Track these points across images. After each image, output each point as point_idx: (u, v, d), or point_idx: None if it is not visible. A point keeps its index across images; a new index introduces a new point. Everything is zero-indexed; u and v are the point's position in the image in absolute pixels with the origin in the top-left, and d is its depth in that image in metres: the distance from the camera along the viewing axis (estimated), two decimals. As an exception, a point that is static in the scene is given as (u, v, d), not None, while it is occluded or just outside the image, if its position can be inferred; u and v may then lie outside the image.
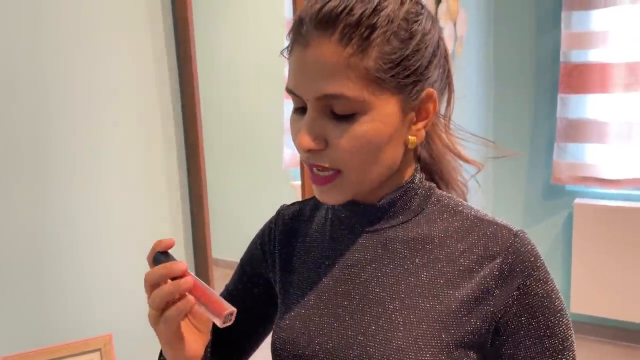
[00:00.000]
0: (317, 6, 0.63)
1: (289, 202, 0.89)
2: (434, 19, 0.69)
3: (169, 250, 0.69)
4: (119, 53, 1.21)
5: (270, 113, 1.78)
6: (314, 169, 0.68)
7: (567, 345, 0.66)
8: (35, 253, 1.10)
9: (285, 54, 0.69)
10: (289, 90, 0.67)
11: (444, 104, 0.75)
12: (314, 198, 0.84)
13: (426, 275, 0.69)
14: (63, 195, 1.14)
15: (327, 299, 0.73)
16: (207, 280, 1.48)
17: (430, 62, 0.66)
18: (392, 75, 0.63)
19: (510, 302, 0.65)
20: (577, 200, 2.98)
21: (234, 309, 0.65)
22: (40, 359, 1.03)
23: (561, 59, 2.91)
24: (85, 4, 1.14)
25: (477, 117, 3.14)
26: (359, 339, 0.68)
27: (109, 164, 1.22)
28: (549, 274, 0.67)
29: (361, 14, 0.61)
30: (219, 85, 1.65)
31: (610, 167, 2.89)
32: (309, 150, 0.65)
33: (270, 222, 0.87)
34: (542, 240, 3.21)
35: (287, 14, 1.70)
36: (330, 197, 0.69)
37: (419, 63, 0.65)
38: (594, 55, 2.84)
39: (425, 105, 0.68)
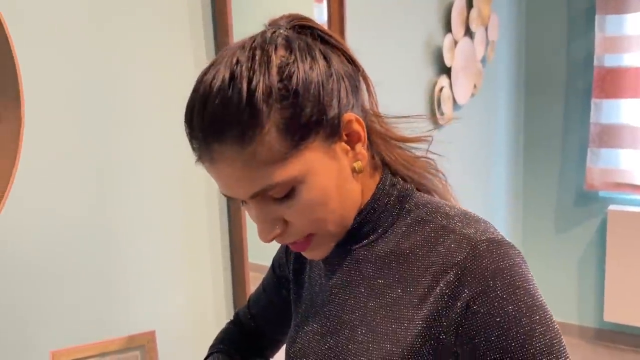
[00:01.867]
0: (197, 119, 0.59)
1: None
2: (309, 46, 0.62)
3: None
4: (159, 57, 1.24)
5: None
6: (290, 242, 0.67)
7: None
8: (85, 253, 1.13)
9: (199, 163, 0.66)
10: (223, 194, 0.65)
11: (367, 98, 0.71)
12: None
13: (391, 295, 0.65)
14: (111, 199, 1.17)
15: (319, 318, 0.74)
16: (243, 284, 1.49)
17: (330, 94, 0.61)
18: (298, 141, 0.59)
19: (461, 322, 0.58)
20: (611, 207, 2.93)
21: None
22: (87, 353, 1.06)
23: (595, 63, 2.87)
24: None
25: (508, 122, 3.12)
26: None
27: (150, 170, 1.25)
28: (518, 290, 0.57)
29: (237, 109, 0.57)
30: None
31: (645, 173, 2.84)
32: (275, 237, 0.64)
33: None
34: (574, 248, 3.16)
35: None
36: (316, 255, 0.69)
37: (317, 107, 0.60)
38: (628, 60, 2.81)
39: (350, 130, 0.64)
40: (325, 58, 0.63)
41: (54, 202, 1.07)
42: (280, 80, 0.58)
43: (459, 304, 0.58)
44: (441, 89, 2.33)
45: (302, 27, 0.65)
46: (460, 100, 2.49)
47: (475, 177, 2.82)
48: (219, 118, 0.58)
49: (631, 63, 2.79)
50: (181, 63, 1.28)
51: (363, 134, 0.65)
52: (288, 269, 0.87)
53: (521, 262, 0.60)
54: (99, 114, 1.14)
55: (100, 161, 1.15)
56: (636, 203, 2.95)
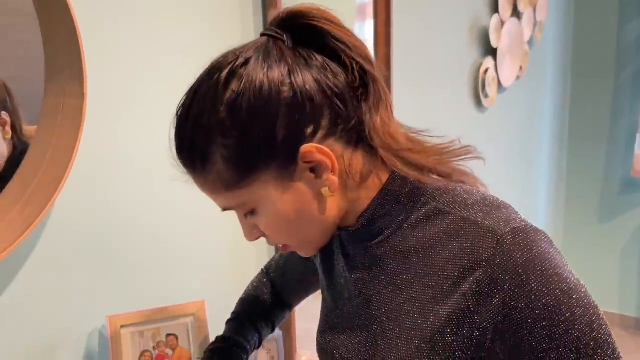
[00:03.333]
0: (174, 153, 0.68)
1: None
2: (280, 63, 0.60)
3: None
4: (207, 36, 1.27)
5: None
6: None
7: (585, 353, 0.55)
8: (141, 224, 1.18)
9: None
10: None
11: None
12: None
13: (415, 290, 0.64)
14: (159, 174, 1.21)
15: (346, 312, 0.75)
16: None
17: (285, 126, 0.59)
18: (247, 171, 0.61)
19: (499, 319, 0.57)
20: (659, 195, 2.86)
21: None
22: (141, 320, 1.11)
23: (647, 47, 2.78)
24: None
25: (554, 106, 3.05)
26: (365, 357, 0.71)
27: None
28: (551, 277, 0.56)
29: (190, 142, 0.64)
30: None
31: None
32: (257, 239, 0.71)
33: None
34: (618, 236, 3.09)
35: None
36: (305, 254, 0.75)
37: (266, 140, 0.59)
38: (683, 43, 2.70)
39: (312, 160, 0.61)
40: (292, 76, 0.59)
41: (113, 175, 1.12)
42: (228, 115, 0.59)
43: (494, 302, 0.57)
44: (486, 71, 2.30)
45: (297, 27, 0.62)
46: (505, 82, 2.45)
47: (518, 162, 2.78)
48: (179, 145, 0.66)
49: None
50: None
51: (329, 162, 0.61)
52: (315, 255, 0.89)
53: (549, 247, 0.59)
54: (158, 88, 1.18)
55: (155, 143, 1.19)
56: (685, 191, 2.87)
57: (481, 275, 0.58)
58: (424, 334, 0.62)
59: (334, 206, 0.66)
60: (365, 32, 1.72)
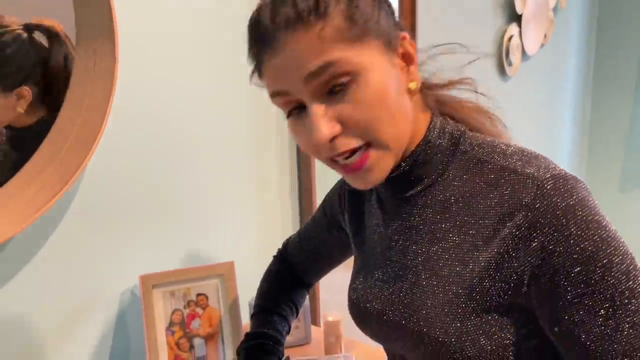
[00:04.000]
0: (265, 16, 0.61)
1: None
2: None
3: None
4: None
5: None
6: (344, 159, 0.63)
7: (620, 299, 0.56)
8: (173, 189, 1.20)
9: (254, 79, 0.66)
10: (276, 94, 0.63)
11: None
12: None
13: (454, 239, 0.65)
14: (190, 139, 1.22)
15: (379, 266, 0.76)
16: (310, 214, 1.54)
17: (389, 10, 0.64)
18: (362, 32, 0.60)
19: (537, 263, 0.58)
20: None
21: None
22: (172, 279, 1.13)
23: (676, 12, 2.71)
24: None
25: (578, 74, 3.00)
26: (399, 306, 0.70)
27: (224, 109, 1.29)
28: (590, 224, 0.56)
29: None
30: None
31: None
32: (332, 140, 0.61)
33: (342, 180, 0.91)
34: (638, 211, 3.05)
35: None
36: (371, 177, 0.64)
37: (379, 13, 0.62)
38: None
39: (405, 49, 0.64)
40: None
41: (144, 136, 1.13)
42: None
43: (533, 245, 0.58)
44: (510, 38, 2.26)
45: None
46: (530, 50, 2.41)
47: (539, 132, 2.75)
48: (289, 8, 0.59)
49: None
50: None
51: (415, 58, 0.65)
52: (343, 217, 0.89)
53: (588, 195, 0.59)
54: (185, 55, 1.18)
55: (185, 104, 1.20)
56: None
57: (521, 219, 0.58)
58: (462, 281, 0.63)
59: (410, 113, 0.65)
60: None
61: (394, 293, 0.72)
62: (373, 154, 0.62)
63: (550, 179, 0.59)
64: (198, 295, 1.15)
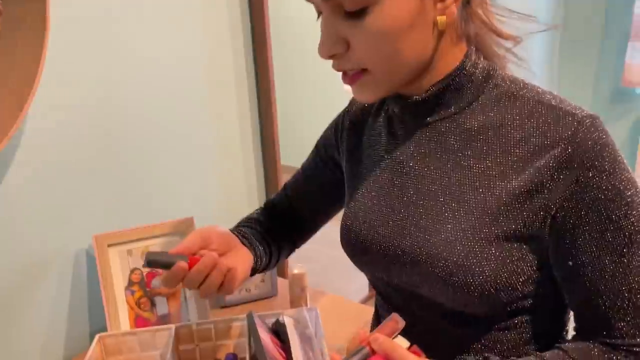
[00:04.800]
0: None
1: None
2: None
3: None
4: None
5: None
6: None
7: (636, 239, 0.59)
8: (127, 143, 1.13)
9: None
10: None
11: None
12: None
13: (478, 167, 0.65)
14: (152, 100, 1.15)
15: (386, 192, 0.74)
16: (275, 173, 1.50)
17: None
18: None
19: (567, 195, 0.60)
20: (648, 104, 2.84)
21: None
22: (128, 238, 1.09)
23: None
24: None
25: (545, 12, 2.95)
26: (412, 230, 0.69)
27: (187, 72, 1.22)
28: (620, 164, 0.59)
29: None
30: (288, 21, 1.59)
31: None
32: (332, 56, 0.63)
33: (343, 111, 0.87)
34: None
35: None
36: (362, 95, 0.66)
37: None
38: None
39: None
40: None
41: (93, 95, 1.06)
42: None
43: (569, 177, 0.59)
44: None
45: None
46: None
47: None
48: None
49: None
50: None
51: None
52: (339, 150, 0.86)
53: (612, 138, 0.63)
54: (129, 11, 1.09)
55: (137, 60, 1.12)
56: (675, 100, 2.85)
57: (560, 152, 0.60)
58: (488, 207, 0.63)
59: (429, 48, 0.63)
60: None
61: (405, 218, 0.70)
62: (364, 78, 0.63)
63: (587, 117, 0.61)
64: (157, 253, 1.11)
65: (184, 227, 1.12)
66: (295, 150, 1.95)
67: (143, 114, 1.17)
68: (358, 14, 0.59)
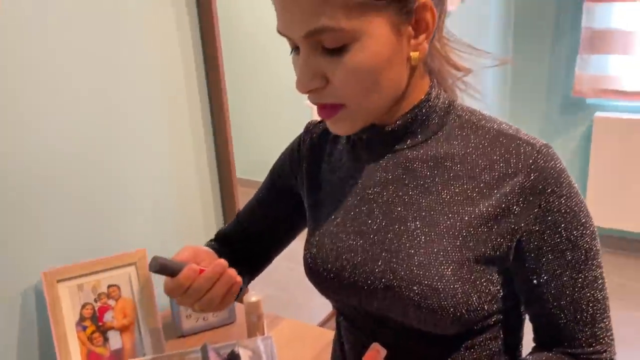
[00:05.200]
0: None
1: (307, 120, 0.88)
2: None
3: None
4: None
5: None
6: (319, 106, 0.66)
7: (590, 255, 0.65)
8: (74, 174, 1.11)
9: None
10: (280, 33, 0.64)
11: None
12: None
13: (447, 193, 0.68)
14: (98, 119, 1.13)
15: (353, 218, 0.74)
16: (233, 201, 1.50)
17: None
18: None
19: (531, 219, 0.64)
20: (597, 114, 2.93)
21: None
22: (79, 273, 1.07)
23: (588, -36, 2.76)
24: None
25: (497, 28, 3.03)
26: (383, 255, 0.69)
27: (133, 88, 1.21)
28: (574, 188, 0.65)
29: None
30: (239, 6, 1.59)
31: (633, 79, 2.81)
32: (310, 91, 0.64)
33: (298, 138, 0.87)
34: (560, 154, 3.18)
35: None
36: (339, 128, 0.68)
37: None
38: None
39: (421, 15, 0.63)
40: None
41: (43, 128, 1.04)
42: None
43: (533, 203, 0.63)
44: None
45: None
46: (450, 5, 2.40)
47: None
48: None
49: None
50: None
51: (431, 27, 0.64)
52: (296, 177, 0.86)
53: None
54: (92, 40, 1.07)
55: (84, 91, 1.10)
56: (622, 109, 2.95)
57: (523, 179, 0.64)
58: (458, 230, 0.66)
59: (403, 82, 0.67)
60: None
61: (376, 243, 0.71)
62: (342, 112, 0.65)
63: (543, 146, 0.65)
64: (109, 286, 1.09)
65: (136, 259, 1.11)
66: (250, 163, 1.94)
67: (90, 143, 1.15)
68: (337, 51, 0.61)
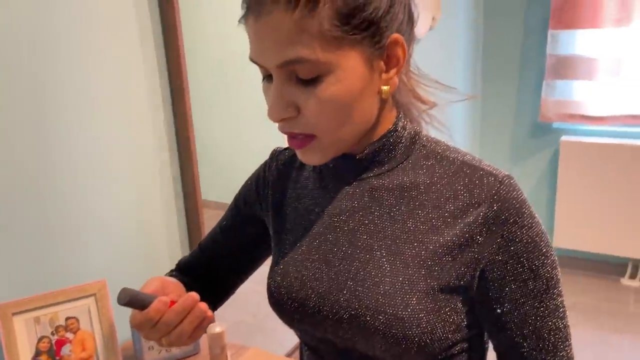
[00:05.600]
0: None
1: (274, 144, 0.88)
2: None
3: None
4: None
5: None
6: (290, 136, 0.67)
7: (551, 284, 0.67)
8: (31, 202, 1.09)
9: (242, 21, 0.66)
10: (252, 61, 0.65)
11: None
12: None
13: (412, 222, 0.69)
14: (57, 143, 1.11)
15: (318, 246, 0.74)
16: (198, 222, 1.48)
17: (390, 6, 0.63)
18: (348, 31, 0.60)
19: (494, 249, 0.65)
20: (564, 138, 3.00)
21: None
22: (36, 305, 1.04)
23: (552, -6, 2.84)
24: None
25: (466, 55, 3.10)
26: (349, 284, 0.69)
27: (98, 119, 1.19)
28: (535, 218, 0.67)
29: None
30: (205, 28, 1.59)
31: (597, 104, 2.89)
32: (282, 120, 0.65)
33: (264, 165, 0.87)
34: (528, 177, 3.25)
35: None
36: (309, 159, 0.69)
37: (375, 12, 0.61)
38: (585, -11, 2.78)
39: (393, 51, 0.65)
40: None
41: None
42: None
43: (496, 233, 0.65)
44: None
45: None
46: (419, 33, 2.45)
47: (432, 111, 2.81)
48: None
49: (587, -8, 2.77)
50: (119, -2, 1.19)
51: (402, 62, 0.66)
52: (261, 205, 0.85)
53: None
54: (41, 55, 1.06)
55: (45, 112, 1.08)
56: (587, 133, 3.02)
57: (486, 209, 0.65)
58: (423, 259, 0.66)
59: (373, 115, 0.68)
60: None
61: (341, 272, 0.71)
62: (313, 143, 0.66)
63: (506, 177, 0.67)
64: (67, 319, 1.06)
65: (96, 290, 1.08)
66: (218, 186, 1.92)
67: (47, 168, 1.13)
68: (312, 82, 0.62)
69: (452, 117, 3.03)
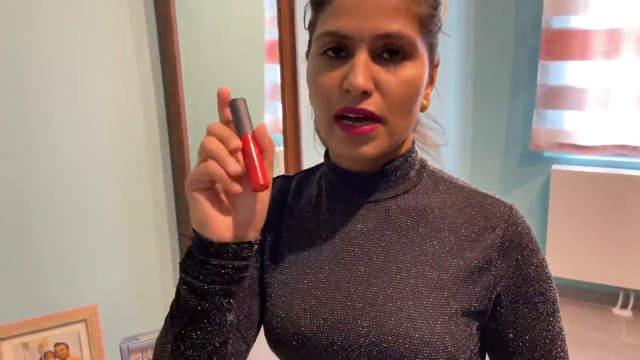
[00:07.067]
0: None
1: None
2: None
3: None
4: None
5: (252, 79, 1.75)
6: (351, 121, 0.63)
7: (556, 307, 0.70)
8: (21, 228, 1.08)
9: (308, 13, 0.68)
10: (333, 33, 0.62)
11: None
12: (297, 175, 0.82)
13: (430, 244, 0.68)
14: (47, 168, 1.11)
15: (329, 272, 0.70)
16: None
17: (440, 28, 0.68)
18: (433, 28, 0.65)
19: (510, 272, 0.67)
20: (554, 167, 3.02)
21: (266, 182, 0.58)
22: (27, 330, 1.02)
23: (543, 25, 2.90)
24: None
25: (457, 84, 3.14)
26: (367, 310, 0.66)
27: (91, 149, 1.19)
28: (538, 244, 0.69)
29: None
30: (200, 47, 1.60)
31: (588, 133, 2.93)
32: (364, 93, 0.61)
33: None
34: (519, 205, 3.20)
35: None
36: (369, 146, 0.64)
37: (438, 27, 0.67)
38: (575, 22, 2.84)
39: (434, 71, 0.70)
40: None
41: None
42: None
43: (512, 256, 0.67)
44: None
45: None
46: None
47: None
48: None
49: (577, 25, 2.83)
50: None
51: (434, 83, 0.71)
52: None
53: None
54: (26, 72, 1.06)
55: (35, 135, 1.08)
56: (577, 162, 3.05)
57: (502, 233, 0.67)
58: (445, 283, 0.66)
59: (415, 121, 0.70)
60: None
61: (358, 298, 0.67)
62: (380, 129, 0.64)
63: (512, 204, 0.70)
64: (56, 345, 1.04)
65: (86, 316, 1.07)
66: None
67: (37, 191, 1.12)
68: (395, 62, 0.63)
69: (442, 147, 3.05)
